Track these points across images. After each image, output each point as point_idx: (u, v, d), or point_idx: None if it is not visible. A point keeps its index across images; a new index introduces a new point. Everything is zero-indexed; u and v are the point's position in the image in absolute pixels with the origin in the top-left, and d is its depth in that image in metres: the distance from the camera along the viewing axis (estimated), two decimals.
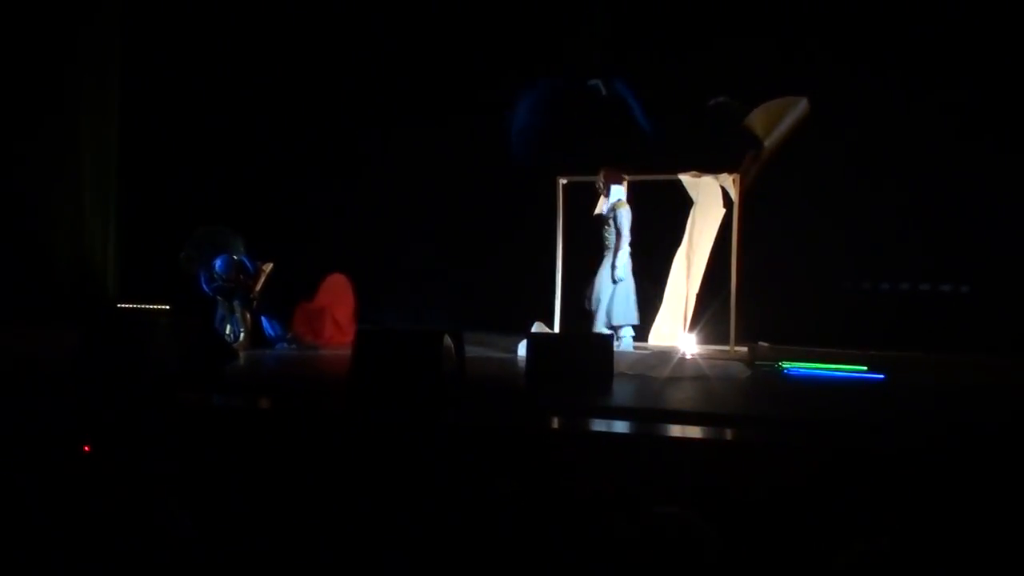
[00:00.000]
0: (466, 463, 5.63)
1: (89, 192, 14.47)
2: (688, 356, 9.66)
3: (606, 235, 9.93)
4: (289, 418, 6.43)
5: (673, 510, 2.68)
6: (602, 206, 10.01)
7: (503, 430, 6.18)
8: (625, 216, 9.86)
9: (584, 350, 8.05)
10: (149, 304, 13.65)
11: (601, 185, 10.01)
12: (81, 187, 14.42)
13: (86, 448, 4.21)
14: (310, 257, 12.80)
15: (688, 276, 10.65)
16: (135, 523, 3.25)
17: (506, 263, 12.13)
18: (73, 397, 6.84)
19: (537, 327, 10.14)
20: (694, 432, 5.98)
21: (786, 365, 9.42)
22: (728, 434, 5.97)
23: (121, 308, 14.19)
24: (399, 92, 13.38)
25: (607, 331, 9.75)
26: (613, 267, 9.91)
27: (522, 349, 9.26)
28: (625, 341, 9.96)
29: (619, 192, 9.91)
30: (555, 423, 6.42)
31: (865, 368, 9.09)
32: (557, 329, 10.60)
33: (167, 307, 13.24)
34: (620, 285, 9.87)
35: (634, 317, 9.97)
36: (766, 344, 10.72)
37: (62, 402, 6.60)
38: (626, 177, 10.24)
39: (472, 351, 9.52)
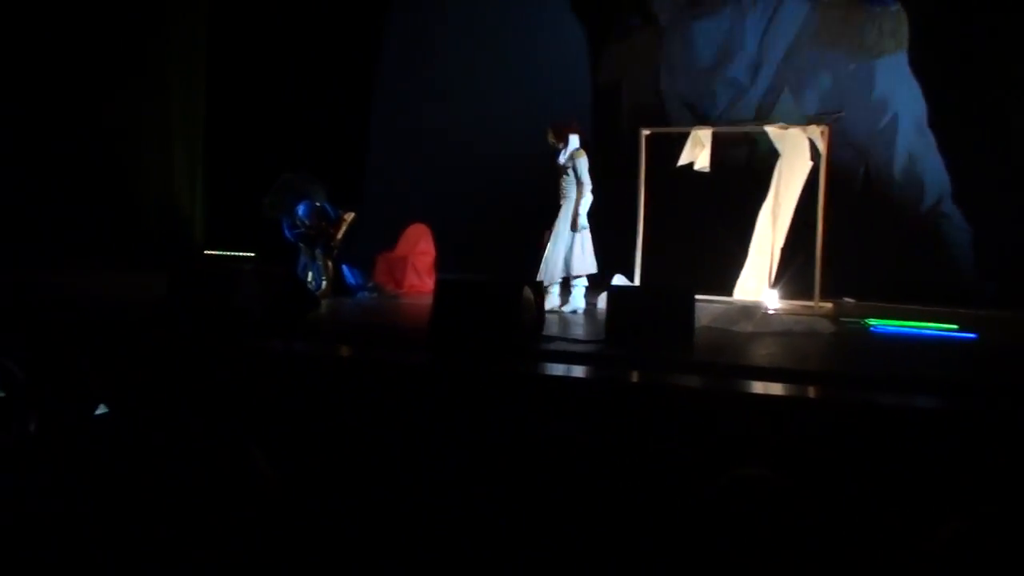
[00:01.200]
0: (544, 415, 5.61)
1: (177, 140, 14.70)
2: (772, 311, 9.52)
3: (564, 185, 9.70)
4: (370, 366, 6.46)
5: (755, 471, 2.59)
6: (560, 156, 9.79)
7: (582, 383, 6.16)
8: (584, 164, 9.62)
9: (665, 303, 7.94)
10: (234, 251, 13.86)
11: (553, 139, 9.77)
12: (170, 136, 14.65)
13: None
14: (392, 206, 12.87)
15: (773, 230, 10.47)
16: (217, 470, 3.27)
17: (589, 215, 12.03)
18: (160, 342, 6.96)
19: (617, 279, 10.05)
20: (776, 389, 5.88)
21: (872, 322, 9.23)
22: (812, 392, 5.85)
23: (207, 255, 14.42)
24: (477, 39, 13.34)
25: (559, 282, 9.61)
26: (576, 215, 9.64)
27: (602, 302, 9.20)
28: (577, 291, 9.74)
29: (575, 141, 9.71)
30: (634, 377, 6.37)
31: (956, 327, 8.85)
32: (637, 281, 10.50)
33: (252, 254, 13.42)
34: (579, 234, 9.63)
35: (592, 266, 9.73)
36: (852, 300, 10.52)
37: (149, 347, 6.71)
38: (580, 126, 10.00)
39: (554, 303, 9.51)
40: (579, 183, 9.52)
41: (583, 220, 9.56)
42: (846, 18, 12.15)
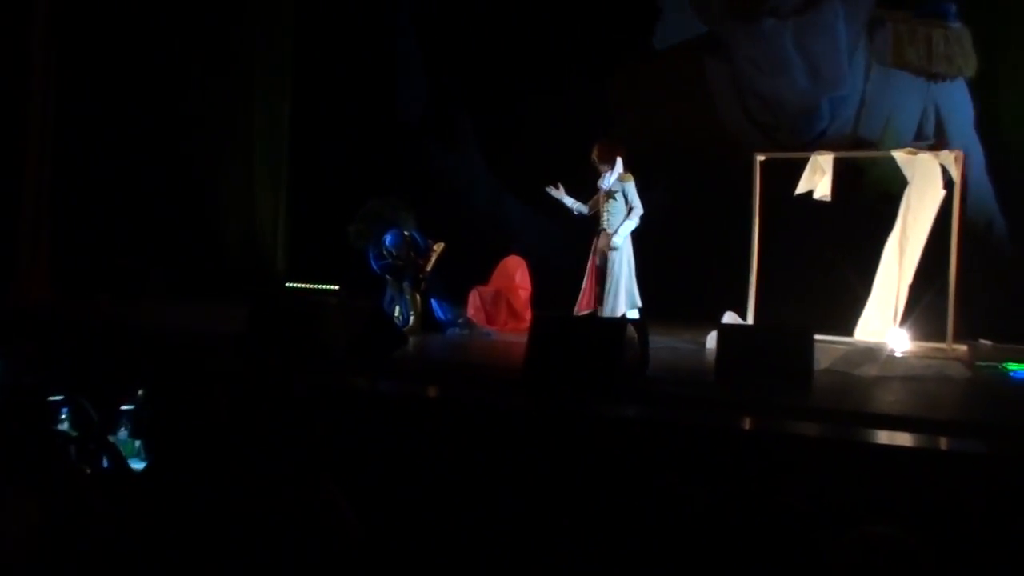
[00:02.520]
0: (648, 463, 5.58)
1: (260, 167, 15.00)
2: (898, 354, 9.34)
3: (609, 211, 9.63)
4: (460, 409, 6.50)
5: (881, 529, 2.55)
6: (604, 180, 9.71)
7: (689, 429, 6.12)
8: (633, 188, 9.58)
9: (780, 343, 7.87)
10: (318, 284, 14.08)
11: (598, 160, 9.70)
12: (252, 162, 14.97)
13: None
14: (486, 237, 12.94)
15: (900, 264, 10.29)
16: (295, 510, 3.33)
17: (696, 247, 11.97)
18: (236, 379, 7.09)
19: (728, 317, 9.97)
20: (904, 440, 5.78)
21: (1012, 367, 9.00)
22: (944, 443, 5.74)
23: (289, 288, 14.67)
24: (580, 57, 13.42)
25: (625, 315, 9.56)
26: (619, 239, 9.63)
27: (711, 341, 9.13)
28: None
29: (620, 164, 9.65)
30: (747, 423, 6.32)
31: None
32: (751, 319, 10.40)
33: (336, 287, 13.61)
34: (627, 265, 9.56)
35: (638, 299, 9.68)
36: (988, 342, 10.26)
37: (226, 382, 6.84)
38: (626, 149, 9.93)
39: (656, 341, 9.45)
40: (631, 208, 9.57)
41: (619, 239, 9.57)
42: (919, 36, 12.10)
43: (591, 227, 9.69)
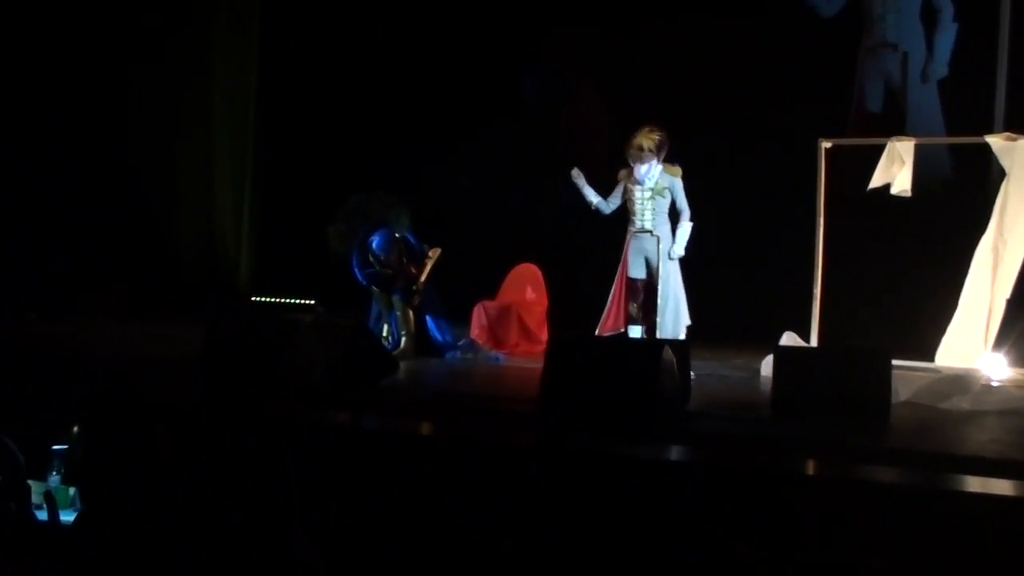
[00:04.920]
0: (689, 515, 5.56)
1: (220, 162, 15.07)
2: (994, 383, 9.30)
3: (654, 210, 9.69)
4: (461, 448, 6.49)
5: None
6: (645, 172, 9.73)
7: (739, 474, 6.10)
8: (681, 185, 9.72)
9: (851, 370, 7.84)
10: (289, 297, 14.08)
11: (652, 148, 9.73)
12: (211, 157, 15.03)
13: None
14: (491, 242, 12.94)
15: (995, 273, 10.26)
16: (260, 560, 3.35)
17: (747, 253, 11.95)
18: (194, 408, 7.09)
19: (787, 338, 9.94)
20: (1003, 488, 5.75)
21: None
22: None
23: (255, 302, 14.68)
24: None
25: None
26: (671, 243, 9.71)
27: (767, 367, 9.10)
28: None
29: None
30: (809, 468, 6.32)
31: None
32: (814, 341, 10.38)
33: (311, 302, 13.62)
34: (678, 283, 9.68)
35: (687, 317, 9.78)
36: None
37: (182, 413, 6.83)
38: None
39: (700, 368, 9.44)
40: (681, 211, 9.62)
41: (680, 249, 9.64)
42: None
43: (616, 229, 9.72)
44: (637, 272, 9.75)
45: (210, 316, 9.07)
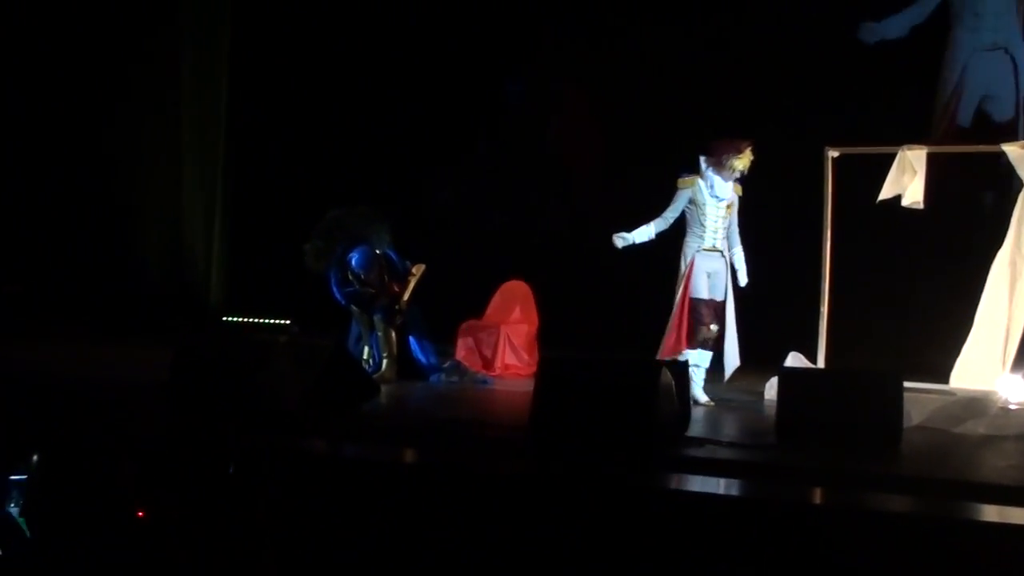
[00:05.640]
0: (690, 546, 5.55)
1: (189, 175, 15.07)
2: (1012, 406, 9.31)
3: (728, 228, 9.71)
4: (446, 477, 6.47)
5: None
6: (724, 188, 9.75)
7: (742, 503, 6.10)
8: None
9: (860, 393, 7.85)
10: (263, 318, 14.06)
11: (747, 162, 9.75)
12: (180, 169, 15.03)
13: (140, 514, 4.34)
14: (478, 258, 12.94)
15: (1012, 290, 10.30)
16: None
17: (749, 270, 11.96)
18: (160, 436, 7.06)
19: (793, 359, 9.96)
20: (1022, 517, 5.74)
21: None
22: None
23: (227, 323, 14.65)
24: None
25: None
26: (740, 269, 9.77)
27: (771, 390, 9.11)
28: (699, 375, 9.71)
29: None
30: (816, 496, 6.31)
31: None
32: (821, 362, 10.39)
33: (286, 322, 13.60)
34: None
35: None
36: None
37: (147, 443, 6.81)
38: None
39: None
40: (734, 232, 9.66)
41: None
42: None
43: (606, 242, 9.70)
44: (706, 292, 9.68)
45: (178, 337, 9.04)
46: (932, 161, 10.44)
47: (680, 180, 9.69)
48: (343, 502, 6.21)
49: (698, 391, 9.41)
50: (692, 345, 9.54)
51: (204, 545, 3.51)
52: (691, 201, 9.64)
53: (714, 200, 9.62)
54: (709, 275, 9.64)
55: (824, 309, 10.63)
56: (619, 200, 13.26)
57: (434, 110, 14.29)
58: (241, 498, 6.13)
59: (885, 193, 10.46)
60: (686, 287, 9.60)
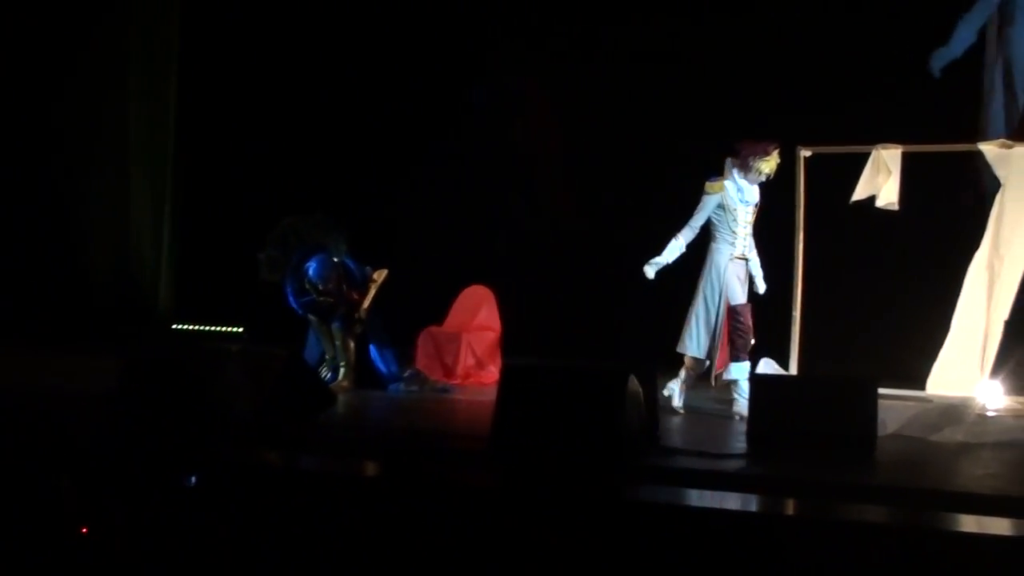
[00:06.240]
0: (659, 558, 5.58)
1: (137, 178, 15.01)
2: (990, 412, 9.38)
3: (751, 233, 9.80)
4: (407, 490, 6.48)
5: None
6: (752, 191, 9.83)
7: (713, 515, 6.12)
8: None
9: (834, 400, 7.89)
10: (215, 326, 14.02)
11: (766, 163, 9.82)
12: (127, 172, 14.98)
13: (83, 530, 4.34)
14: (437, 263, 12.94)
15: (990, 294, 10.35)
16: None
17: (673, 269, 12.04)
18: (108, 449, 7.04)
19: (764, 365, 9.98)
20: (1000, 527, 5.79)
21: None
22: None
23: (176, 331, 14.61)
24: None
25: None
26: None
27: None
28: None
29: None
30: (789, 507, 6.34)
31: None
32: (793, 369, 10.43)
33: (239, 330, 13.57)
34: None
35: None
36: None
37: (93, 456, 6.79)
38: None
39: (668, 397, 9.48)
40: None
41: None
42: None
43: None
44: (742, 298, 9.75)
45: (126, 347, 9.01)
46: (908, 161, 10.51)
47: (709, 184, 9.72)
48: (300, 515, 6.21)
49: (742, 405, 9.29)
50: (739, 357, 9.60)
51: (158, 559, 3.51)
52: (720, 206, 9.68)
53: (743, 205, 9.69)
54: (738, 281, 9.71)
55: (796, 314, 10.67)
56: (584, 204, 13.35)
57: (391, 114, 14.28)
58: (201, 511, 6.13)
59: (859, 194, 10.50)
60: (726, 298, 9.65)
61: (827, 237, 10.78)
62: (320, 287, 10.68)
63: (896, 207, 10.45)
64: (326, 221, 11.13)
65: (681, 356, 9.73)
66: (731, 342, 9.60)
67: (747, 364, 9.61)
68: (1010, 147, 10.34)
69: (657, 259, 9.72)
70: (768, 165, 9.66)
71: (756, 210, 9.81)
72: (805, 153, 10.79)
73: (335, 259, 10.80)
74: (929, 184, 10.78)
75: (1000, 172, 10.36)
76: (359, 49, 14.40)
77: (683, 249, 9.75)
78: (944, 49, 11.69)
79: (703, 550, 5.62)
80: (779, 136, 9.95)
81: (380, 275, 10.94)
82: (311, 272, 10.69)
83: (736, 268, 9.70)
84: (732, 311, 9.63)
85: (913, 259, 11.32)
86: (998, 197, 10.38)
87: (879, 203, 10.49)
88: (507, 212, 13.72)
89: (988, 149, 10.42)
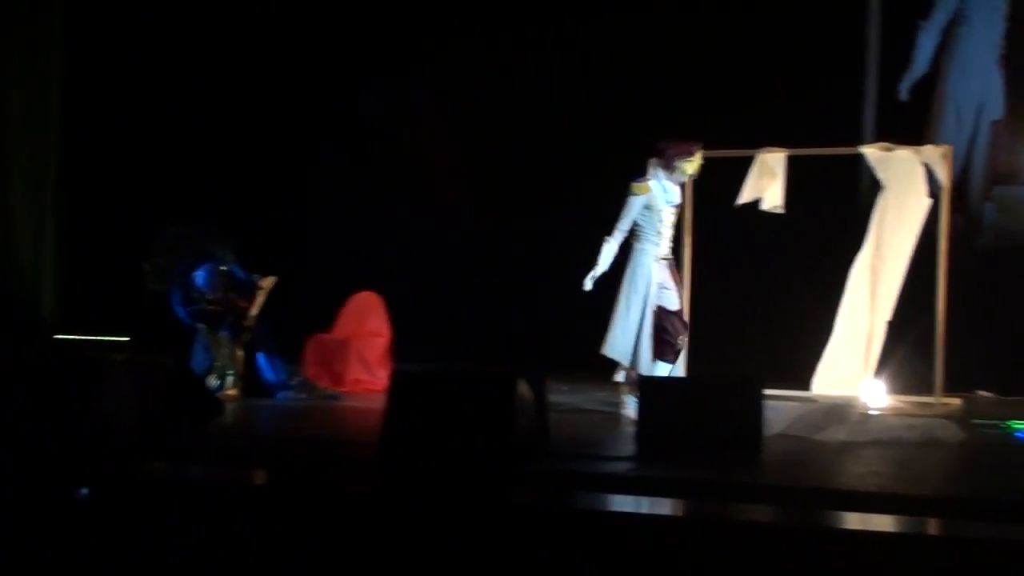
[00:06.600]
0: (550, 561, 5.60)
1: (16, 180, 14.77)
2: (873, 412, 9.51)
3: (672, 230, 9.93)
4: (296, 498, 6.45)
5: None
6: (676, 191, 9.95)
7: (602, 517, 6.15)
8: None
9: (721, 401, 7.95)
10: (100, 335, 13.84)
11: (689, 164, 9.93)
12: (7, 175, 14.73)
13: None
14: (326, 270, 12.89)
15: (873, 295, 10.49)
16: None
17: (605, 277, 12.07)
18: None
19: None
20: (882, 524, 5.88)
21: (1018, 426, 9.24)
22: (933, 527, 5.86)
23: (59, 341, 14.40)
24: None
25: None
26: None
27: (632, 399, 9.19)
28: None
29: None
30: (676, 508, 6.38)
31: None
32: (681, 371, 10.49)
33: (125, 339, 13.40)
34: None
35: None
36: (989, 394, 10.53)
37: None
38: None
39: (558, 400, 9.50)
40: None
41: None
42: None
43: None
44: (672, 303, 9.87)
45: (4, 358, 8.87)
46: (792, 164, 10.62)
47: (636, 185, 9.76)
48: (187, 526, 6.16)
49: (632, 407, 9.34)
50: (666, 359, 9.66)
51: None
52: (646, 207, 9.73)
53: (668, 205, 9.76)
54: (664, 286, 9.77)
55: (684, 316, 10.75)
56: (473, 209, 13.36)
57: (278, 119, 14.21)
58: (91, 524, 6.06)
59: (744, 197, 10.58)
60: (655, 301, 9.72)
61: (714, 240, 10.85)
62: (207, 295, 10.61)
63: (781, 210, 10.55)
64: (213, 229, 11.04)
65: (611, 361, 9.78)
66: (658, 343, 9.70)
67: (671, 366, 9.71)
68: (891, 150, 10.48)
69: (594, 270, 9.77)
70: (692, 165, 9.78)
71: (678, 211, 9.90)
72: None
73: (222, 267, 10.72)
74: (813, 187, 10.91)
75: (881, 175, 10.50)
76: (244, 54, 14.30)
77: (616, 252, 9.78)
78: (910, 70, 12.03)
79: (591, 552, 5.64)
80: (663, 140, 10.05)
81: (267, 282, 10.88)
82: (198, 280, 10.61)
83: (661, 269, 9.78)
84: (664, 313, 9.75)
85: (798, 261, 11.47)
86: (879, 199, 10.52)
87: (764, 206, 10.60)
88: (395, 218, 13.68)
89: (870, 152, 10.56)
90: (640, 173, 9.76)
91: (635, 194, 9.71)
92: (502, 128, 13.26)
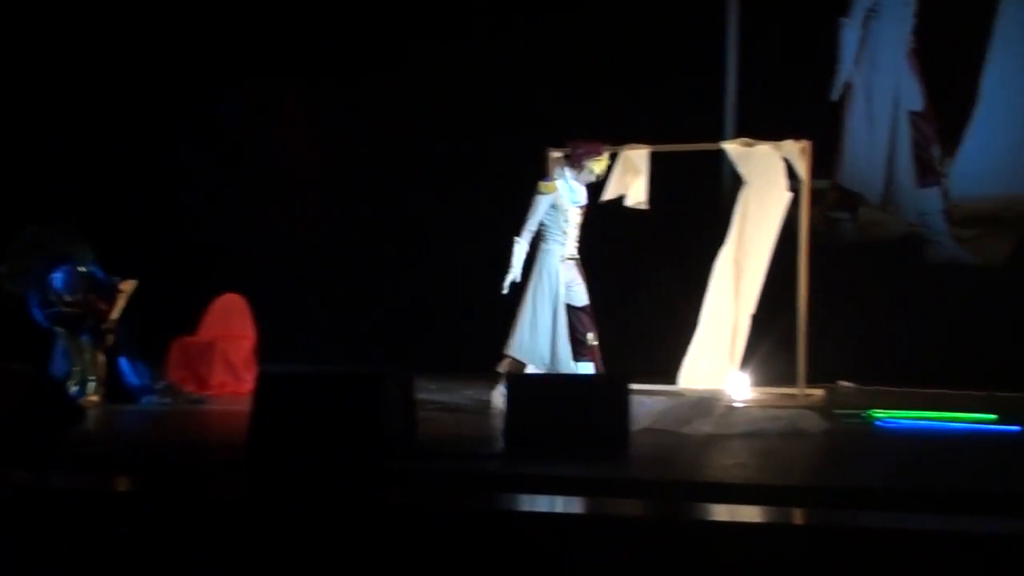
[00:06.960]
0: (418, 560, 5.59)
1: None
2: (738, 404, 9.62)
3: (578, 230, 10.01)
4: (161, 505, 6.38)
5: None
6: (581, 191, 10.02)
7: (471, 517, 6.14)
8: None
9: (587, 397, 7.99)
10: None
11: (597, 163, 10.00)
12: None
13: None
14: (190, 272, 12.77)
15: (737, 288, 10.62)
16: None
17: (474, 276, 12.09)
18: None
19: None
20: (748, 514, 5.96)
21: (879, 415, 9.40)
22: (798, 517, 5.94)
23: None
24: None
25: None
26: None
27: (499, 397, 9.21)
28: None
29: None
30: (544, 504, 6.40)
31: (994, 417, 9.07)
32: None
33: None
34: None
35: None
36: (850, 384, 10.71)
37: None
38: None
39: (426, 399, 9.50)
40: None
41: None
42: None
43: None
44: (579, 300, 9.90)
45: None
46: (655, 161, 10.72)
47: (543, 185, 9.83)
48: (48, 536, 6.06)
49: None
50: (582, 357, 9.66)
51: None
52: (553, 207, 9.78)
53: (574, 205, 9.78)
54: (571, 285, 9.78)
55: None
56: (336, 210, 13.32)
57: (139, 119, 14.04)
58: None
59: (608, 194, 10.66)
60: (562, 301, 9.74)
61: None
62: (66, 298, 10.44)
63: (646, 206, 10.65)
64: (70, 230, 10.87)
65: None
66: (573, 343, 9.73)
67: (591, 364, 9.74)
68: (751, 145, 10.61)
69: (510, 273, 9.82)
70: (600, 165, 9.85)
71: (584, 211, 9.93)
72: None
73: (81, 269, 10.55)
74: (677, 183, 11.02)
75: (742, 170, 10.64)
76: (104, 51, 14.10)
77: (526, 251, 9.84)
78: (839, 68, 12.22)
79: (459, 551, 5.64)
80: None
81: (128, 285, 10.74)
82: (56, 283, 10.44)
83: (568, 270, 9.81)
84: (572, 311, 9.77)
85: (662, 256, 11.58)
86: (741, 194, 10.65)
87: (628, 202, 10.69)
88: (259, 218, 13.60)
89: (731, 147, 10.69)
90: (537, 172, 9.91)
91: (543, 193, 9.80)
92: (366, 128, 13.24)
